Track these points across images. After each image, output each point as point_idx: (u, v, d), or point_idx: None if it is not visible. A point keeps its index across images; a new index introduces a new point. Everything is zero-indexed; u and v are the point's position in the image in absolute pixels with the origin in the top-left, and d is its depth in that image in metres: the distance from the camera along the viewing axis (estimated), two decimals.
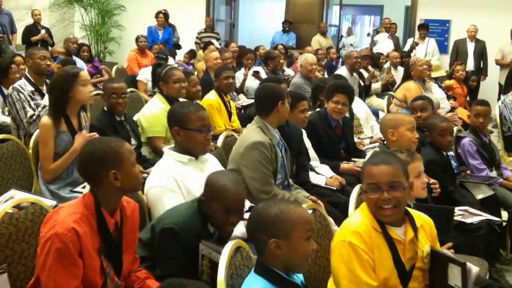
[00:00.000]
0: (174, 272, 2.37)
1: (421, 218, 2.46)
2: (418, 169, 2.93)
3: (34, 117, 4.38)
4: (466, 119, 5.96)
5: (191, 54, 9.88)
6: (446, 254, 2.40)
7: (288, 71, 8.29)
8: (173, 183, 2.91)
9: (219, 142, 4.11)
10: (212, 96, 5.33)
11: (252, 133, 3.62)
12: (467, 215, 3.54)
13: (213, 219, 2.52)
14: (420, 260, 2.36)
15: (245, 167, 3.47)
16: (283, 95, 3.66)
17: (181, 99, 4.61)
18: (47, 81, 4.70)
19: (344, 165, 4.42)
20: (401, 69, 8.17)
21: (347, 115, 5.10)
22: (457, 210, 3.50)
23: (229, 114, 5.38)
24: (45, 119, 3.49)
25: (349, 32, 15.28)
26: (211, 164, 3.20)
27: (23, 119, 4.42)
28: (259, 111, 3.71)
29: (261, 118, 3.65)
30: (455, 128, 4.82)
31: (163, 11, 10.39)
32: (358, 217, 2.36)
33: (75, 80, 3.55)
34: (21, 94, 4.48)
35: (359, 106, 5.65)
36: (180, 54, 10.10)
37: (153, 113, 4.45)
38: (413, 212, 2.45)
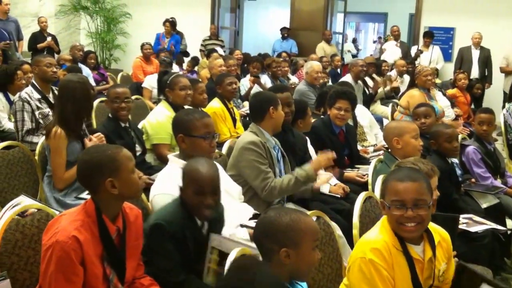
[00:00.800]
0: (167, 265, 2.44)
1: (439, 234, 2.43)
2: (435, 184, 2.91)
3: (29, 132, 4.43)
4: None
5: (194, 61, 9.91)
6: (480, 273, 2.37)
7: (293, 79, 8.31)
8: (178, 190, 2.92)
9: (224, 149, 4.12)
10: (216, 104, 5.34)
11: (244, 136, 3.68)
12: (472, 223, 3.53)
13: (189, 205, 2.54)
14: (436, 279, 2.33)
15: (243, 168, 3.48)
16: (275, 101, 3.69)
17: (186, 107, 4.64)
18: (54, 88, 4.73)
19: (348, 173, 4.42)
20: (407, 78, 8.18)
21: (351, 122, 5.11)
22: (462, 218, 3.48)
23: (234, 121, 5.40)
24: (57, 130, 3.48)
25: (345, 39, 15.29)
26: None
27: (19, 130, 4.46)
28: (253, 117, 3.78)
29: (255, 124, 3.69)
30: (459, 136, 4.82)
31: (170, 19, 10.43)
32: (378, 233, 2.33)
33: None
34: (26, 104, 4.50)
35: (363, 114, 5.65)
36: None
37: (158, 120, 4.47)
38: (430, 226, 2.40)
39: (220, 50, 10.06)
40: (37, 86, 4.67)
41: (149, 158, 4.40)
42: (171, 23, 10.42)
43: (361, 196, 3.04)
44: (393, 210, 2.27)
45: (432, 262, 2.31)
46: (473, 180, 4.36)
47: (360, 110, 5.62)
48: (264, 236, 2.05)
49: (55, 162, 3.48)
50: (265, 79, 7.64)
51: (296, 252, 2.01)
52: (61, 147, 3.48)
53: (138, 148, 4.23)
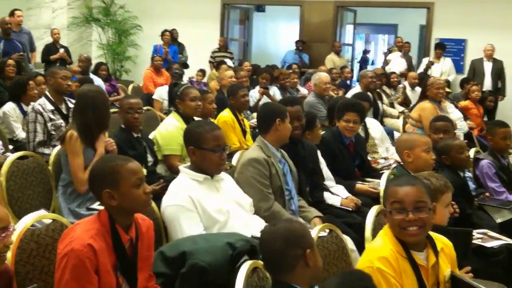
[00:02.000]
0: None
1: (441, 241, 2.45)
2: (449, 199, 2.91)
3: (41, 143, 4.46)
4: None
5: (203, 73, 9.96)
6: (467, 280, 2.37)
7: (303, 90, 8.33)
8: (189, 201, 2.93)
9: (234, 161, 4.12)
10: (226, 114, 5.36)
11: (249, 152, 3.67)
12: (486, 238, 3.48)
13: None
14: (443, 285, 2.34)
15: (243, 184, 3.44)
16: (282, 113, 3.67)
17: (196, 118, 4.66)
18: (70, 100, 4.78)
19: (360, 186, 4.41)
20: (418, 90, 8.17)
21: (362, 134, 5.11)
22: (476, 233, 3.45)
23: (243, 132, 5.41)
24: (72, 133, 3.53)
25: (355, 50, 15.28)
26: (226, 183, 3.22)
27: (31, 141, 4.49)
28: (259, 129, 3.79)
29: (261, 137, 3.68)
30: (473, 150, 4.80)
31: (170, 30, 10.50)
32: (383, 241, 2.35)
33: None
34: (38, 116, 4.53)
35: (374, 126, 5.65)
36: (188, 74, 10.08)
37: (168, 131, 4.49)
38: (433, 234, 2.44)
39: (229, 62, 10.11)
40: (51, 97, 4.71)
41: (160, 169, 4.42)
42: (170, 33, 10.51)
43: (373, 210, 3.04)
44: (394, 215, 2.30)
45: (436, 268, 2.32)
46: (487, 194, 4.31)
47: (372, 122, 5.61)
48: (286, 246, 2.10)
49: (74, 163, 3.50)
50: (275, 91, 7.67)
51: (313, 252, 2.13)
52: (78, 149, 3.52)
53: (150, 158, 4.26)
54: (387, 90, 8.21)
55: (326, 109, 6.16)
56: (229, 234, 2.75)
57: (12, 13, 8.90)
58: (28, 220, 2.49)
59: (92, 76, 8.01)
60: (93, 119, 3.60)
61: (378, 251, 2.30)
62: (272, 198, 3.48)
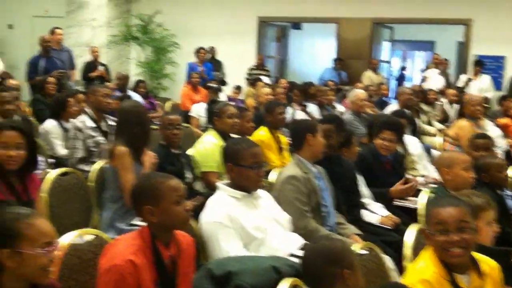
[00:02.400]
0: None
1: (485, 262, 2.40)
2: (491, 217, 2.86)
3: (81, 160, 4.56)
4: None
5: (239, 90, 10.03)
6: None
7: (339, 107, 8.31)
8: (227, 218, 2.95)
9: (272, 178, 4.12)
10: (262, 133, 5.35)
11: (286, 169, 3.69)
12: None
13: None
14: None
15: (282, 203, 3.43)
16: (312, 128, 3.70)
17: (233, 135, 4.70)
18: (109, 117, 4.88)
19: (394, 188, 4.34)
20: (456, 107, 8.06)
21: (400, 150, 5.06)
22: None
23: (280, 149, 5.41)
24: (122, 148, 3.60)
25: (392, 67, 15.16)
26: (264, 200, 3.23)
27: (71, 158, 4.61)
28: (293, 146, 3.83)
29: (296, 153, 3.71)
30: None
31: (205, 48, 10.62)
32: (425, 264, 2.32)
33: None
34: (79, 133, 4.65)
35: (413, 143, 5.58)
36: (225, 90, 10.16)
37: (206, 148, 4.54)
38: (476, 255, 2.39)
39: (266, 79, 10.16)
40: (91, 114, 4.81)
41: (198, 185, 4.46)
42: (208, 51, 10.62)
43: (413, 228, 3.00)
44: (437, 236, 2.28)
45: None
46: None
47: (410, 139, 5.55)
48: (326, 264, 2.15)
49: (126, 178, 3.53)
50: (312, 108, 7.66)
51: (353, 273, 2.16)
52: (129, 163, 3.58)
53: (188, 175, 4.31)
54: (425, 107, 8.11)
55: (364, 126, 6.12)
56: (275, 258, 2.75)
57: (52, 32, 9.14)
58: (70, 235, 2.54)
59: (130, 93, 8.16)
60: (140, 134, 3.69)
61: (421, 274, 2.27)
62: (310, 216, 3.48)
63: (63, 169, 3.83)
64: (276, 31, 13.59)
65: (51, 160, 4.89)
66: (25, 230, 1.91)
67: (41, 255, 1.91)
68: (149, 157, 3.74)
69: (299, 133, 3.70)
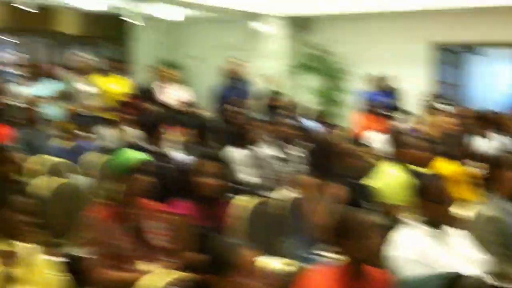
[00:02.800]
0: None
1: None
2: None
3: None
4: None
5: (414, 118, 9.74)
6: None
7: None
8: (416, 254, 2.90)
9: (465, 214, 3.89)
10: (447, 165, 5.15)
11: (482, 208, 3.56)
12: None
13: None
14: None
15: (480, 244, 3.25)
16: (506, 163, 3.53)
17: (414, 166, 4.58)
18: (289, 146, 5.05)
19: None
20: None
21: None
22: None
23: (466, 183, 5.15)
24: (310, 179, 3.71)
25: None
26: (456, 237, 3.11)
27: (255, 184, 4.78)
28: (488, 183, 3.68)
29: (491, 191, 3.57)
30: None
31: (379, 75, 10.51)
32: None
33: None
34: (264, 161, 4.85)
35: None
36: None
37: (391, 180, 4.45)
38: None
39: (445, 106, 9.74)
40: (272, 143, 5.00)
41: (380, 218, 4.38)
42: (380, 79, 10.49)
43: None
44: None
45: None
46: None
47: None
48: None
49: (319, 210, 3.60)
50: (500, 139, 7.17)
51: None
52: (316, 195, 3.68)
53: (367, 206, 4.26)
54: None
55: None
56: None
57: (235, 63, 9.71)
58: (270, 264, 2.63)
59: (305, 121, 8.33)
60: (329, 166, 3.75)
61: None
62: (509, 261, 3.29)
63: (257, 197, 4.00)
64: (452, 56, 13.02)
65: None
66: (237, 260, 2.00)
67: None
68: (338, 189, 3.75)
69: (492, 169, 3.54)
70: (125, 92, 8.18)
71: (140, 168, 3.19)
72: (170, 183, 3.87)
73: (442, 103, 10.35)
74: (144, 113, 7.03)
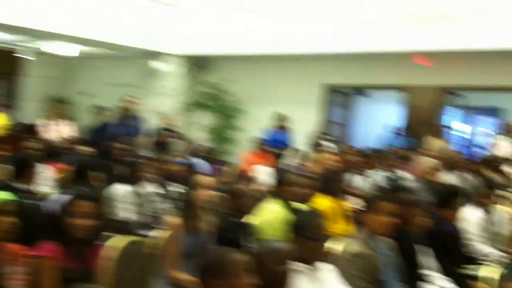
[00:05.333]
0: None
1: None
2: None
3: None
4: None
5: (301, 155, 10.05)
6: None
7: (404, 174, 8.12)
8: None
9: (336, 249, 3.99)
10: (324, 200, 5.28)
11: (349, 244, 3.65)
12: None
13: None
14: None
15: (346, 279, 3.37)
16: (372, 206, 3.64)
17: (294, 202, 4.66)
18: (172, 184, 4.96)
19: None
20: None
21: None
22: None
23: (343, 217, 5.31)
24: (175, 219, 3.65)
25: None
26: (327, 273, 3.18)
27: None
28: (360, 217, 3.90)
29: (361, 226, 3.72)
30: None
31: (276, 115, 10.77)
32: None
33: None
34: (143, 199, 4.73)
35: None
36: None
37: (268, 217, 4.50)
38: None
39: (330, 145, 10.11)
40: (156, 181, 4.90)
41: None
42: (277, 118, 10.80)
43: None
44: None
45: None
46: None
47: None
48: None
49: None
50: (377, 175, 7.54)
51: None
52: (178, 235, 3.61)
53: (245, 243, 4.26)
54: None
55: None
56: None
57: (128, 100, 9.55)
58: None
59: (194, 160, 8.31)
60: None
61: None
62: None
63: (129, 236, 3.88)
64: (340, 97, 13.61)
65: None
66: None
67: None
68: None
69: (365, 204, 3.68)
70: (1, 128, 7.78)
71: (1, 208, 3.00)
72: (37, 224, 3.65)
73: (328, 141, 10.75)
74: (19, 150, 6.71)
